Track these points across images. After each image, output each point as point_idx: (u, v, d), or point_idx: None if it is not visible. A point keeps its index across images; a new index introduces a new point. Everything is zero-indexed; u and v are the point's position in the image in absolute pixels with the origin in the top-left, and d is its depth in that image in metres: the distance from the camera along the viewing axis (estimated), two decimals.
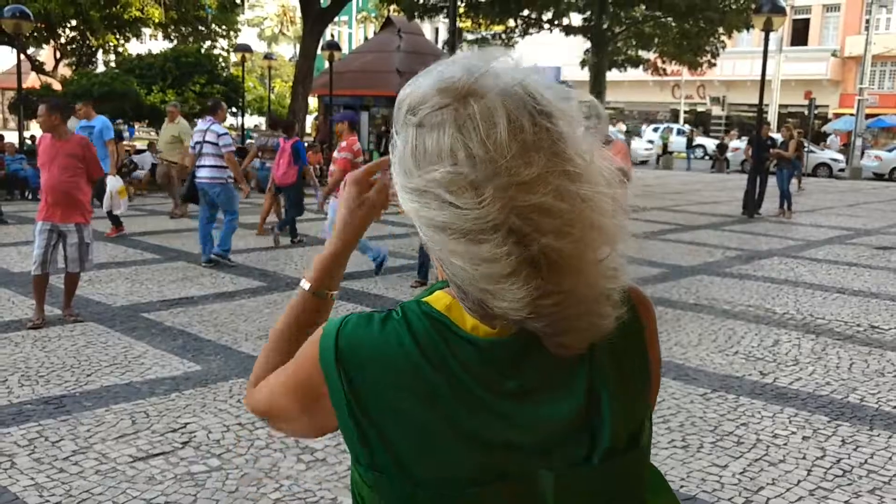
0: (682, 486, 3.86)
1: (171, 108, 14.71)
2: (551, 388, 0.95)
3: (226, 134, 9.20)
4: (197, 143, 9.15)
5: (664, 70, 28.28)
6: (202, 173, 9.10)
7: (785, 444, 4.43)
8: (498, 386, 0.93)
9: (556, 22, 24.10)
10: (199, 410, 4.71)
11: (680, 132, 37.03)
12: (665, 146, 33.54)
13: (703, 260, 10.45)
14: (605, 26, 23.21)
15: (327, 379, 0.96)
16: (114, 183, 10.28)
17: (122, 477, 3.84)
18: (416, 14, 21.75)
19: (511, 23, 24.33)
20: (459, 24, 24.52)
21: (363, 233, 1.20)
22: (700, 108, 46.32)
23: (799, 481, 3.97)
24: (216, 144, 9.02)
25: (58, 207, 6.42)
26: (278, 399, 1.07)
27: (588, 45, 24.87)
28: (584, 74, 25.99)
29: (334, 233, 1.18)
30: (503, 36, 24.85)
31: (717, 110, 45.78)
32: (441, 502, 0.93)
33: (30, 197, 15.84)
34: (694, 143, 33.94)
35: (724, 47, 25.28)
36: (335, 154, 9.05)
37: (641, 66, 27.38)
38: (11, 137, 19.02)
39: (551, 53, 32.68)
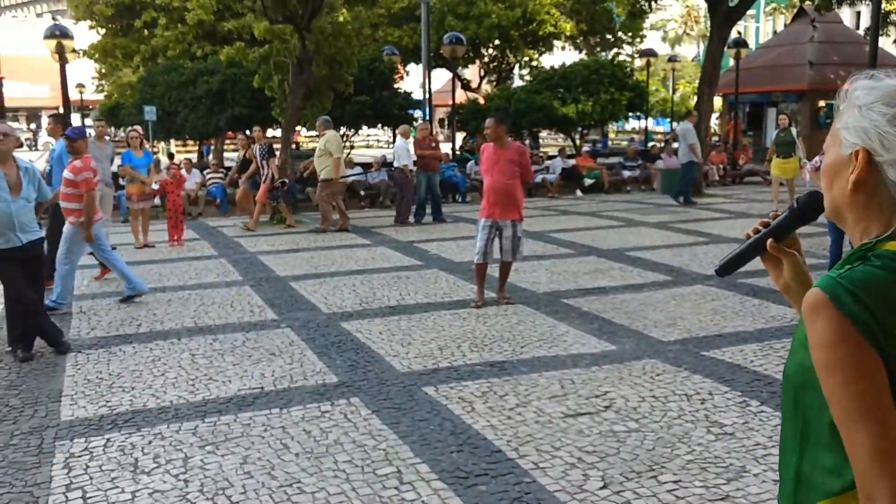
0: None
1: (319, 123, 13.70)
2: None
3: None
4: None
5: None
6: None
7: None
8: None
9: None
10: (617, 382, 5.34)
11: None
12: None
13: None
14: None
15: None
16: None
17: (556, 428, 4.60)
18: (834, 2, 20.34)
19: None
20: (886, 6, 22.37)
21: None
22: None
23: None
24: None
25: (497, 206, 7.56)
26: (869, 412, 1.21)
27: None
28: None
29: None
30: None
31: None
32: None
33: (460, 200, 18.14)
34: None
35: None
36: (68, 176, 7.48)
37: None
38: (444, 148, 21.83)
39: None
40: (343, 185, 13.67)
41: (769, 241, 1.53)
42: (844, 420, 1.24)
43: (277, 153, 14.06)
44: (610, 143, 37.83)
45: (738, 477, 3.91)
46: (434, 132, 18.53)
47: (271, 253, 11.01)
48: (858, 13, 39.88)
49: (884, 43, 23.94)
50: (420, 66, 22.17)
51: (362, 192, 17.65)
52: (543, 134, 35.79)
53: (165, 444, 4.47)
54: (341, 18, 16.48)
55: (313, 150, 22.08)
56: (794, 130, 14.50)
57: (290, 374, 5.65)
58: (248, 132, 19.87)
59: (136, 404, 5.12)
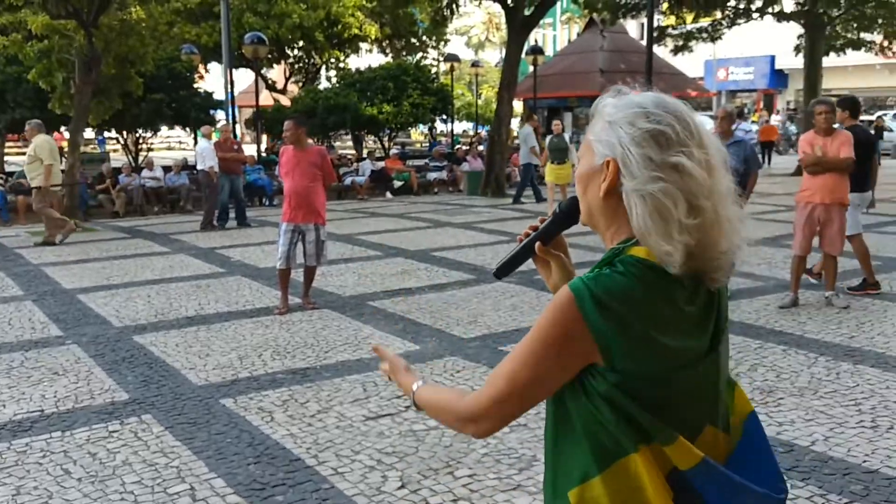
0: (864, 461, 4.02)
1: (29, 127, 12.37)
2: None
3: None
4: None
5: (893, 52, 26.20)
6: None
7: None
8: None
9: (767, 10, 23.19)
10: None
11: None
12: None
13: None
14: (820, 11, 22.02)
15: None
16: None
17: (357, 431, 4.60)
18: (619, 15, 21.79)
19: (717, 14, 23.71)
20: (663, 21, 24.26)
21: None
22: None
23: None
24: None
25: (300, 210, 7.45)
26: (523, 374, 1.38)
27: (802, 30, 23.67)
28: (799, 62, 24.78)
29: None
30: (709, 29, 24.25)
31: None
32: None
33: (266, 203, 17.75)
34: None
35: None
36: None
37: (864, 49, 25.58)
38: (250, 150, 21.26)
39: (763, 42, 31.36)
40: (57, 193, 12.33)
41: (537, 244, 1.59)
42: (507, 371, 1.40)
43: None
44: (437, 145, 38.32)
45: (530, 466, 4.08)
46: (240, 134, 17.95)
47: (58, 264, 10.25)
48: (643, 24, 42.90)
49: (664, 52, 25.96)
50: (222, 65, 21.41)
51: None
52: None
53: None
54: (134, 15, 15.58)
55: (97, 154, 20.66)
56: (566, 136, 15.03)
57: (74, 394, 5.28)
58: None
59: None
